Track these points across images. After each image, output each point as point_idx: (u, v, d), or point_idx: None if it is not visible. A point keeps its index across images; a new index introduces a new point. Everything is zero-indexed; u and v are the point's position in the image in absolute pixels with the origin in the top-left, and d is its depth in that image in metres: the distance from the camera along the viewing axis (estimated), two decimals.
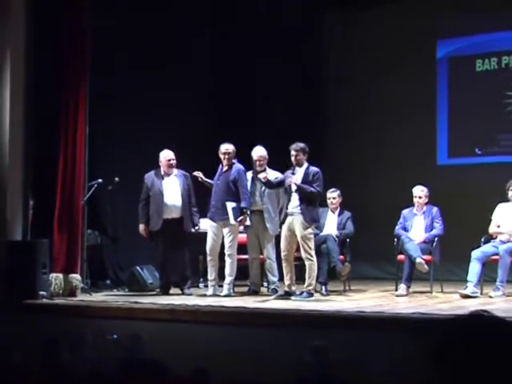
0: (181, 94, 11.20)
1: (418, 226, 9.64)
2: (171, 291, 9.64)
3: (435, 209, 9.65)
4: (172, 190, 9.55)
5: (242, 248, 9.74)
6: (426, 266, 9.16)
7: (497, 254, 9.03)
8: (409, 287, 9.30)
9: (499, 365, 2.35)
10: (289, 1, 11.80)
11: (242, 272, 9.93)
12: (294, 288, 8.94)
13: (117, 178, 10.07)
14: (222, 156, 9.45)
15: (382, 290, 9.88)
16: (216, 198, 9.38)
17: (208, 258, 9.44)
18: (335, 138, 12.37)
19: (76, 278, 9.48)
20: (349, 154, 12.16)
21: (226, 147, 9.44)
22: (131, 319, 8.15)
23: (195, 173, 9.50)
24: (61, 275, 9.42)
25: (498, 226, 9.24)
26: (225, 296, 9.18)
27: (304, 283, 8.83)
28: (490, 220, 9.30)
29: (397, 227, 9.68)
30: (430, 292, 9.34)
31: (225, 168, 9.45)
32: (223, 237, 9.35)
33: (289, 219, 8.88)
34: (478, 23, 11.53)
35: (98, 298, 9.40)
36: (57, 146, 9.58)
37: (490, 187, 10.68)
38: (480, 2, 11.35)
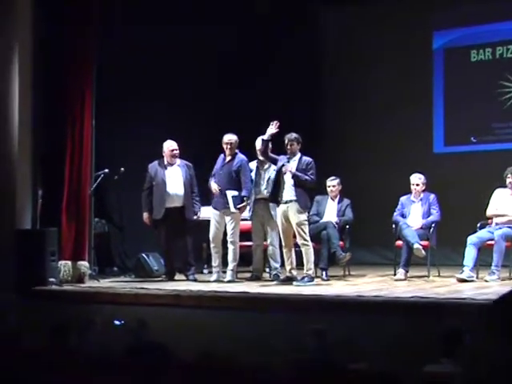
0: (184, 86, 11.19)
1: (415, 213, 9.63)
2: (176, 277, 9.64)
3: (432, 196, 9.64)
4: (175, 179, 9.53)
5: (244, 235, 9.75)
6: (423, 252, 9.16)
7: (492, 240, 9.01)
8: (407, 272, 9.30)
9: None
10: None
11: (245, 258, 9.92)
12: (295, 273, 8.93)
13: (122, 168, 10.07)
14: (224, 146, 9.43)
15: (380, 274, 9.88)
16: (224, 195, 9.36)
17: (211, 245, 9.44)
18: (334, 128, 12.34)
19: (84, 264, 9.50)
20: (348, 143, 12.14)
21: (229, 137, 9.41)
22: (137, 305, 8.16)
23: (214, 188, 9.40)
24: (69, 262, 9.44)
25: (496, 210, 9.23)
26: (228, 282, 9.18)
27: (303, 268, 8.82)
28: (487, 204, 9.27)
29: (395, 214, 9.68)
30: (428, 276, 9.33)
31: (228, 158, 9.43)
32: (226, 225, 9.34)
33: (283, 207, 8.84)
34: (472, 15, 11.51)
35: (106, 284, 9.41)
36: (64, 138, 9.59)
37: (485, 174, 10.69)
38: None
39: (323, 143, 11.71)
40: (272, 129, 8.79)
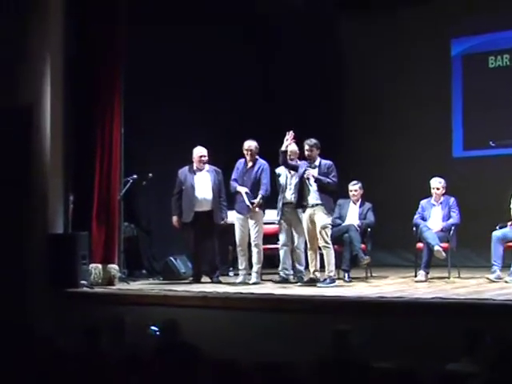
0: (210, 94, 11.23)
1: (435, 216, 9.61)
2: (202, 279, 9.67)
3: (452, 199, 9.62)
4: (203, 184, 9.57)
5: (268, 238, 9.76)
6: (443, 253, 9.13)
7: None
8: (427, 273, 9.27)
9: None
10: (311, 4, 11.71)
11: (270, 261, 9.93)
12: (318, 275, 8.94)
13: (150, 174, 10.12)
14: (245, 152, 9.46)
15: (401, 276, 9.85)
16: (242, 196, 9.37)
17: (238, 249, 9.47)
18: (356, 134, 12.31)
19: (114, 267, 9.55)
20: (369, 148, 12.11)
21: (249, 144, 9.45)
22: (166, 306, 8.19)
23: (240, 189, 9.44)
24: (100, 265, 9.49)
25: None
26: (253, 283, 9.20)
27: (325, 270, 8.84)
28: (510, 208, 9.21)
29: (415, 217, 9.66)
30: (448, 277, 9.30)
31: (249, 164, 9.46)
32: (249, 228, 9.38)
33: (309, 211, 8.86)
34: (489, 22, 11.45)
35: (135, 286, 9.44)
36: (94, 146, 9.64)
37: (503, 178, 10.65)
38: (491, 3, 11.27)
39: (346, 149, 11.70)
40: (288, 140, 8.83)
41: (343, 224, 9.75)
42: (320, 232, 8.78)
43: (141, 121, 10.48)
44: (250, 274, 9.36)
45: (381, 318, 7.07)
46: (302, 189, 8.95)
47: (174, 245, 10.45)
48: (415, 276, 9.35)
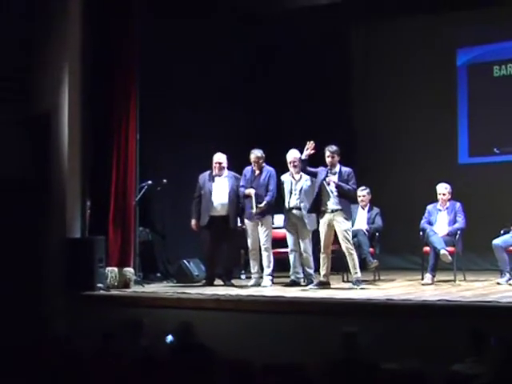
0: (225, 101, 11.24)
1: (441, 221, 9.60)
2: (215, 282, 9.68)
3: (458, 204, 9.61)
4: (220, 190, 9.57)
5: (277, 243, 9.78)
6: (449, 257, 9.13)
7: None
8: (434, 276, 9.26)
9: None
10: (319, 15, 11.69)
11: (280, 265, 9.93)
12: (326, 278, 8.93)
13: (165, 180, 10.15)
14: (252, 161, 9.50)
15: (408, 279, 9.83)
16: (251, 201, 9.39)
17: (250, 253, 9.50)
18: (365, 141, 12.30)
19: (129, 271, 9.58)
20: (377, 155, 12.09)
21: (256, 153, 9.49)
22: (180, 308, 8.21)
23: (248, 191, 9.47)
24: (116, 269, 9.51)
25: None
26: (265, 286, 9.21)
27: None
28: None
29: (422, 221, 9.65)
30: (454, 281, 9.28)
31: (257, 172, 9.50)
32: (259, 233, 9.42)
33: (329, 216, 8.84)
34: (494, 32, 11.44)
35: (150, 289, 9.46)
36: (110, 152, 9.67)
37: (507, 183, 10.65)
38: (495, 13, 11.25)
39: (354, 156, 11.68)
40: (308, 150, 8.82)
41: (352, 228, 9.74)
42: (343, 237, 8.78)
43: (156, 127, 10.49)
44: (262, 278, 9.38)
45: (388, 319, 7.08)
46: (320, 194, 8.90)
47: (188, 248, 10.45)
48: (422, 279, 9.34)
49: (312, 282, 9.16)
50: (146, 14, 9.87)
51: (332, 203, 8.84)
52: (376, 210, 9.98)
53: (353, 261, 8.82)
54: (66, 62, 9.44)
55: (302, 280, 9.46)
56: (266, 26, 11.54)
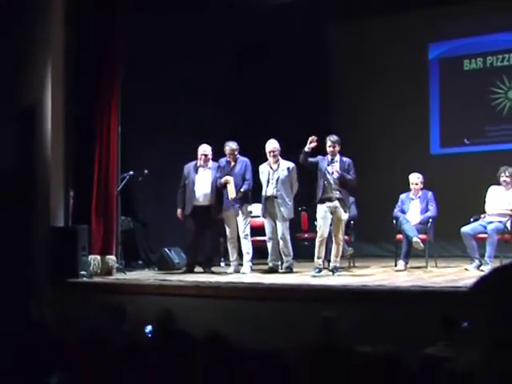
0: (205, 93, 11.20)
1: (414, 209, 9.64)
2: (195, 270, 9.66)
3: (430, 193, 9.65)
4: (203, 180, 9.55)
5: (256, 231, 9.79)
6: (421, 244, 9.17)
7: (484, 233, 9.05)
8: (407, 263, 9.30)
9: None
10: (298, 14, 11.64)
11: (259, 252, 9.93)
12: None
13: (146, 170, 10.11)
14: (227, 153, 9.51)
15: (382, 266, 9.88)
16: (230, 188, 9.37)
17: (229, 241, 9.51)
18: (341, 133, 12.25)
19: (112, 259, 9.55)
20: (352, 147, 12.02)
21: (231, 146, 9.52)
22: (161, 295, 8.19)
23: (225, 178, 9.45)
24: (98, 257, 9.48)
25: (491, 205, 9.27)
26: (244, 273, 9.21)
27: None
28: (484, 200, 9.28)
29: (395, 210, 9.69)
30: (426, 267, 9.33)
31: (232, 164, 9.52)
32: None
33: (329, 204, 8.79)
34: (465, 28, 11.49)
35: (132, 276, 9.44)
36: (93, 143, 9.64)
37: (477, 173, 10.70)
38: (466, 10, 11.30)
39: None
40: (311, 143, 8.76)
41: None
42: (342, 227, 8.78)
43: (140, 121, 10.45)
44: (241, 265, 9.38)
45: (363, 305, 7.10)
46: (325, 183, 8.83)
47: (170, 237, 10.44)
48: (395, 266, 9.38)
49: (291, 269, 9.17)
50: (131, 8, 9.78)
51: (334, 192, 8.81)
52: (351, 199, 9.96)
53: (338, 250, 8.81)
54: (50, 56, 9.34)
55: (280, 267, 9.47)
56: (245, 23, 11.50)
